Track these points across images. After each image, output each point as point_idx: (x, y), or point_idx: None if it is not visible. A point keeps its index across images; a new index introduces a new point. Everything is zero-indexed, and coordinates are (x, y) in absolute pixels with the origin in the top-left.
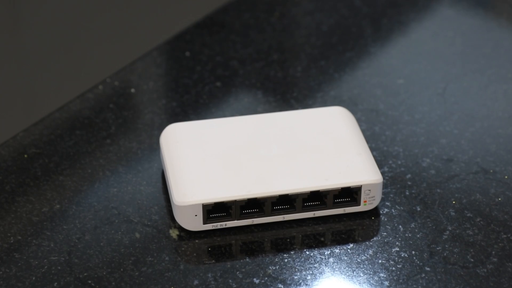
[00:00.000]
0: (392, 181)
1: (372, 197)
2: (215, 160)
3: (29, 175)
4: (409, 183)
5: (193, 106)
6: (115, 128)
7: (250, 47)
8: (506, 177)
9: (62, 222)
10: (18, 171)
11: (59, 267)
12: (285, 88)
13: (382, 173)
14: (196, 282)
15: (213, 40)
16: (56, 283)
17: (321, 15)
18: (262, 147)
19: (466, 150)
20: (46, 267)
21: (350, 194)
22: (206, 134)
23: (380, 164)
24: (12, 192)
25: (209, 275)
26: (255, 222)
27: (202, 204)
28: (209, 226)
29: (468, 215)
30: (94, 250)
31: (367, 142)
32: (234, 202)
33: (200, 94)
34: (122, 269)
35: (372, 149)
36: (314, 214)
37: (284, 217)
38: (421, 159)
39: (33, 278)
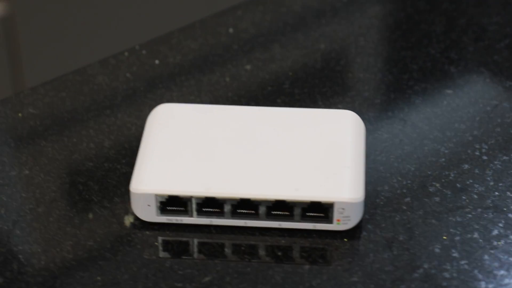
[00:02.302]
0: (386, 203)
1: (346, 216)
2: (191, 150)
3: (14, 135)
4: (404, 207)
5: (212, 87)
6: (121, 99)
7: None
8: None
9: (22, 190)
10: (5, 130)
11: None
12: (318, 82)
13: (379, 192)
14: (126, 276)
15: (265, 19)
16: None
17: None
18: (247, 144)
19: (487, 181)
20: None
21: (322, 210)
22: (196, 120)
23: (381, 181)
24: None
25: (143, 270)
26: (213, 223)
27: (155, 194)
28: (163, 219)
29: (454, 254)
30: (40, 224)
31: (380, 154)
32: (191, 198)
33: (224, 75)
34: (58, 249)
35: (380, 163)
36: (280, 224)
37: (246, 223)
38: (430, 182)
39: None
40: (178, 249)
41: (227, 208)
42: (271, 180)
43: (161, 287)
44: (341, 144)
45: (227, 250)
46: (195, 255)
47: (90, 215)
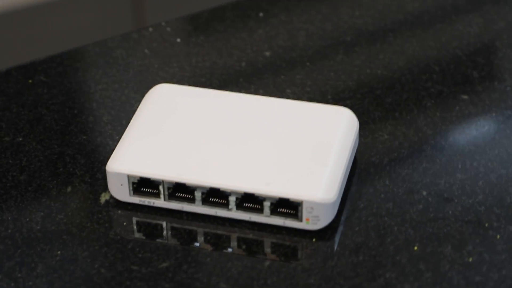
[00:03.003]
0: (367, 206)
1: (315, 216)
2: (174, 134)
3: (18, 101)
4: (384, 212)
5: (225, 70)
6: (133, 75)
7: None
8: (498, 236)
9: (11, 156)
10: (11, 95)
11: None
12: (333, 75)
13: (362, 195)
14: (85, 253)
15: (298, 6)
16: None
17: None
18: (233, 133)
19: (476, 194)
20: None
21: (292, 207)
22: (189, 104)
23: (368, 183)
24: None
25: (104, 249)
26: (184, 209)
27: (127, 175)
28: (136, 200)
29: (420, 267)
30: (18, 192)
31: (375, 155)
32: (162, 182)
33: (241, 60)
34: (28, 219)
35: (372, 165)
36: (250, 217)
37: (216, 212)
38: (418, 190)
39: None
40: (144, 232)
41: (197, 195)
42: (244, 172)
43: (116, 268)
44: (328, 141)
45: (193, 238)
46: (159, 239)
47: (69, 189)
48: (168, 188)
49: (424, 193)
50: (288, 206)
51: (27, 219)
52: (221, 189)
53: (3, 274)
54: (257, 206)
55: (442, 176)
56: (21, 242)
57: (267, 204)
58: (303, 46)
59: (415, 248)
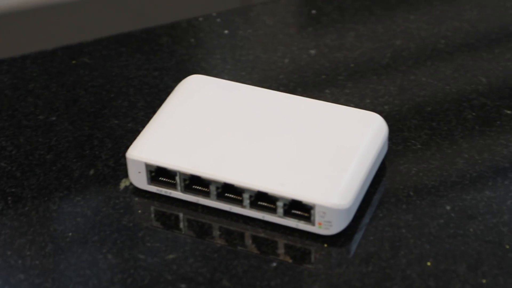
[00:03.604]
0: (386, 215)
1: (328, 221)
2: (198, 125)
3: (59, 81)
4: (402, 224)
5: (267, 66)
6: (175, 63)
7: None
8: None
9: (42, 135)
10: (53, 74)
11: None
12: (376, 79)
13: (383, 203)
14: (95, 238)
15: (353, 6)
16: None
17: None
18: (257, 129)
19: (502, 213)
20: None
21: (305, 210)
22: (218, 97)
23: (391, 193)
24: (30, 92)
25: (114, 235)
26: (200, 202)
27: (145, 163)
28: (154, 189)
29: (429, 283)
30: (42, 170)
31: (404, 164)
32: (177, 173)
33: (284, 56)
34: (46, 198)
35: (399, 174)
36: (263, 216)
37: (231, 208)
38: (442, 204)
39: None
40: (157, 221)
41: (212, 189)
42: (260, 170)
43: (123, 255)
44: (352, 147)
45: (204, 232)
46: (171, 230)
47: (91, 172)
48: (184, 180)
49: (448, 207)
50: (301, 209)
51: (46, 198)
52: (235, 185)
53: (12, 251)
54: (271, 206)
55: (470, 192)
56: (35, 221)
57: (280, 205)
58: (350, 46)
59: (428, 263)
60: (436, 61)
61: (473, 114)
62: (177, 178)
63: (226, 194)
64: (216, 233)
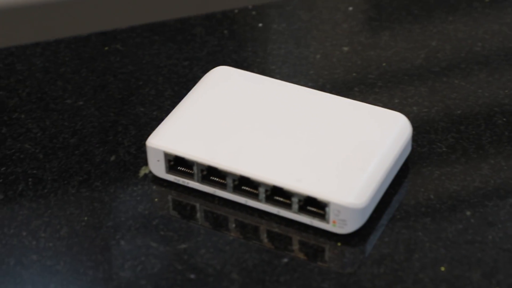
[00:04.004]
0: (403, 218)
1: (342, 220)
2: (220, 117)
3: (89, 66)
4: (419, 227)
5: (298, 61)
6: (206, 54)
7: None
8: None
9: (68, 119)
10: (85, 60)
11: (21, 156)
12: (407, 79)
13: (402, 206)
14: (110, 223)
15: (391, 4)
16: (4, 168)
17: None
18: (278, 124)
19: None
20: (14, 151)
21: (319, 207)
22: (243, 89)
23: (411, 195)
24: (60, 76)
25: (129, 222)
26: (217, 194)
27: (164, 151)
28: (171, 178)
29: None
30: (64, 153)
31: (427, 167)
32: (195, 163)
33: (316, 52)
34: (66, 182)
35: (421, 177)
36: (278, 211)
37: (246, 201)
38: (463, 209)
39: None
40: (173, 211)
41: (229, 182)
42: (277, 165)
43: (135, 242)
44: (373, 146)
45: (218, 224)
46: (185, 220)
47: (113, 158)
48: (202, 170)
49: (468, 213)
50: (316, 206)
51: (65, 182)
52: (251, 179)
53: (28, 232)
54: (287, 201)
55: (492, 199)
56: (53, 203)
57: (295, 200)
58: (384, 45)
59: (442, 268)
60: (471, 64)
61: (504, 119)
62: (195, 168)
63: (242, 187)
64: (231, 225)
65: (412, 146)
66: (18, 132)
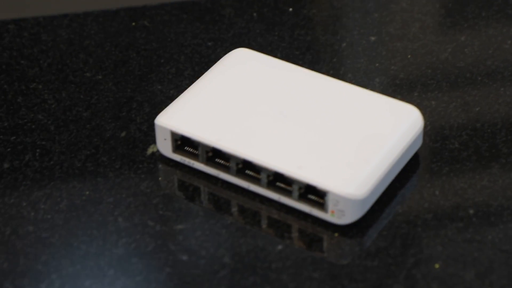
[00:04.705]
0: (404, 212)
1: (341, 210)
2: (232, 99)
3: (114, 41)
4: (419, 223)
5: (322, 48)
6: (232, 35)
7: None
8: None
9: (84, 92)
10: (110, 34)
11: (33, 126)
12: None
13: (405, 200)
14: (110, 199)
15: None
16: (14, 137)
17: None
18: (288, 109)
19: None
20: (27, 120)
21: (319, 196)
22: (259, 73)
23: (416, 190)
24: (84, 49)
25: (130, 199)
26: (221, 176)
27: (171, 130)
28: (177, 157)
29: (432, 285)
30: (76, 126)
31: (436, 162)
32: (200, 144)
33: (343, 40)
34: (73, 155)
35: (429, 172)
36: (279, 198)
37: (249, 186)
38: (466, 207)
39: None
40: (175, 191)
41: (232, 165)
42: (281, 151)
43: (133, 220)
44: (380, 138)
45: (219, 207)
46: (186, 201)
47: (123, 134)
48: (207, 152)
49: (471, 211)
50: (316, 194)
51: (72, 155)
52: (253, 163)
53: (28, 202)
54: (288, 188)
55: (498, 198)
56: (57, 176)
57: (295, 188)
58: (412, 37)
59: (436, 266)
60: (497, 61)
61: None
62: (200, 149)
63: (246, 171)
64: (230, 209)
65: (425, 140)
66: (33, 102)
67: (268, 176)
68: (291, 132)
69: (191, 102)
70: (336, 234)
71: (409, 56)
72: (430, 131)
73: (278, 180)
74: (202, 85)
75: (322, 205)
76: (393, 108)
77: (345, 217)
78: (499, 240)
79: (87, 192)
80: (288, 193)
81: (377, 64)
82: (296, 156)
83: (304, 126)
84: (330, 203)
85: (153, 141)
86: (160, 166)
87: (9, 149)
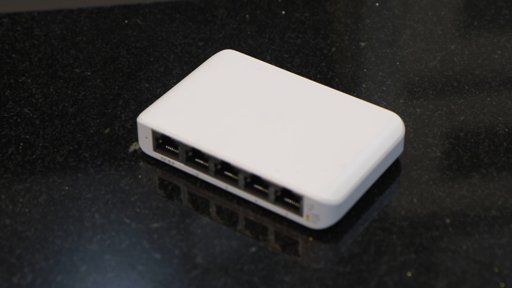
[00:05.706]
0: (381, 219)
1: (316, 215)
2: (212, 100)
3: (105, 38)
4: (395, 230)
5: (311, 52)
6: (223, 36)
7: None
8: (503, 285)
9: (71, 88)
10: (102, 31)
11: (18, 120)
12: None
13: (382, 207)
14: (89, 195)
15: (419, 4)
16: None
17: None
18: (269, 112)
19: (502, 235)
20: (13, 113)
21: (295, 200)
22: (242, 74)
23: (394, 197)
24: (75, 45)
25: (108, 196)
26: (199, 176)
27: (152, 129)
28: (158, 156)
29: None
30: (60, 121)
31: (417, 170)
32: (180, 143)
33: (332, 45)
34: (55, 150)
35: (409, 179)
36: (256, 200)
37: (227, 187)
38: (443, 216)
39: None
40: (154, 189)
41: (211, 165)
42: (259, 153)
43: (109, 217)
44: (361, 144)
45: (196, 207)
46: (164, 199)
47: (107, 130)
48: (186, 152)
49: (448, 221)
50: (292, 198)
51: (55, 150)
52: (231, 164)
53: (7, 195)
54: (265, 191)
55: (475, 209)
56: (38, 170)
57: (272, 191)
58: (402, 44)
59: (409, 274)
60: (486, 71)
61: (506, 130)
62: (180, 148)
63: (224, 172)
64: (207, 209)
65: (407, 148)
66: (21, 96)
67: (246, 178)
68: (271, 135)
69: (174, 102)
70: (310, 238)
71: (397, 63)
72: (412, 139)
73: (255, 183)
74: (186, 85)
75: (297, 209)
76: (374, 115)
77: (320, 221)
78: (474, 250)
79: (67, 187)
80: (264, 195)
81: (365, 70)
82: (274, 159)
83: (284, 130)
84: (305, 207)
85: (136, 138)
86: (141, 164)
87: None
